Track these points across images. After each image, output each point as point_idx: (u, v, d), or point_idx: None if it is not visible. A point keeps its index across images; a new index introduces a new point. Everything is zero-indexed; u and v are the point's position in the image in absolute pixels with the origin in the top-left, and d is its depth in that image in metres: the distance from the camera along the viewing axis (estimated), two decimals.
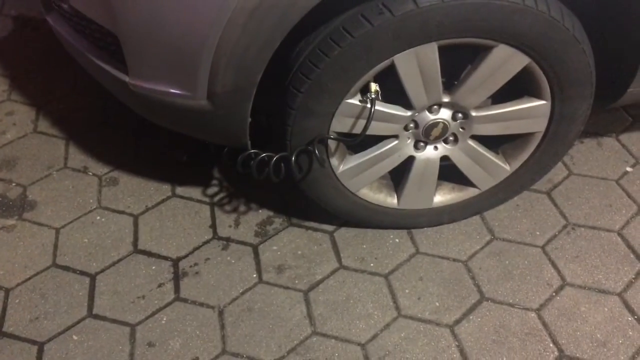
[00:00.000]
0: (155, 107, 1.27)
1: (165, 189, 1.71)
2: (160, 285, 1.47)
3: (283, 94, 1.26)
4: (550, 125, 1.36)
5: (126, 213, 1.64)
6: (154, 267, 1.51)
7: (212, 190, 1.71)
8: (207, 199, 1.68)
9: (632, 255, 1.49)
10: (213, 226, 1.61)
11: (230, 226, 1.61)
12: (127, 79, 1.24)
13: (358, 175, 1.43)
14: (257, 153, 1.36)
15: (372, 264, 1.51)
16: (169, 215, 1.64)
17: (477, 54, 1.23)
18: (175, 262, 1.52)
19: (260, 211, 1.65)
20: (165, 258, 1.53)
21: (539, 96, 1.31)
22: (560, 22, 1.16)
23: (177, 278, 1.49)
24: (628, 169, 1.74)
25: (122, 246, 1.56)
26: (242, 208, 1.66)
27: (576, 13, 1.22)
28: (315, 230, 1.60)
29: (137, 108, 1.35)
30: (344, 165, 1.40)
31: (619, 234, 1.55)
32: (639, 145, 1.81)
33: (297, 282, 1.48)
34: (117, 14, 1.12)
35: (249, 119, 1.25)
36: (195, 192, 1.70)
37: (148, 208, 1.66)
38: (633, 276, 1.44)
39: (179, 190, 1.70)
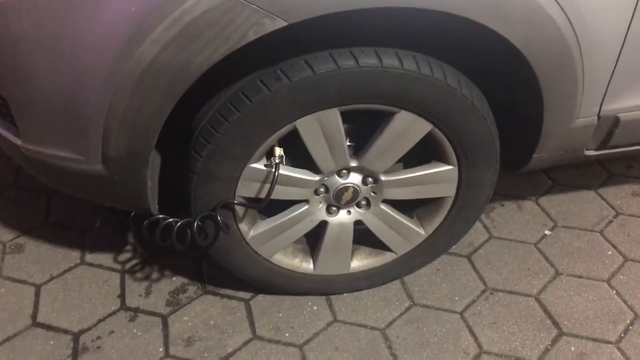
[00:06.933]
0: (50, 172, 1.21)
1: (74, 256, 1.62)
2: None
3: (187, 158, 1.23)
4: (459, 190, 1.37)
5: (28, 283, 1.54)
6: (51, 342, 1.40)
7: (124, 257, 1.63)
8: (118, 267, 1.60)
9: (548, 321, 1.47)
10: (122, 296, 1.52)
11: (140, 295, 1.53)
12: (19, 142, 1.18)
13: (270, 240, 1.38)
14: (163, 218, 1.31)
15: (287, 334, 1.45)
16: (75, 284, 1.54)
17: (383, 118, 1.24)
18: (76, 336, 1.42)
19: (174, 278, 1.58)
20: (66, 332, 1.42)
21: (445, 161, 1.32)
22: (458, 90, 1.18)
23: (75, 354, 1.38)
24: (547, 232, 1.75)
25: (19, 319, 1.45)
26: (154, 275, 1.58)
27: (477, 80, 1.25)
28: (231, 298, 1.53)
29: (33, 173, 1.29)
30: (254, 231, 1.36)
31: (536, 299, 1.53)
32: (557, 208, 1.85)
33: (206, 355, 1.39)
34: (4, 76, 1.08)
35: (150, 183, 1.21)
36: (106, 259, 1.62)
37: (53, 277, 1.56)
38: (549, 343, 1.42)
39: (89, 257, 1.62)
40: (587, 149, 1.44)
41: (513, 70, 1.23)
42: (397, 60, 1.12)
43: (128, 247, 1.66)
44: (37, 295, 1.51)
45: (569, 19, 1.12)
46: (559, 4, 1.09)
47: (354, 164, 1.29)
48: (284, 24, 0.99)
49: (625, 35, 1.21)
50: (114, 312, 1.48)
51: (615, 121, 1.35)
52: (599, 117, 1.34)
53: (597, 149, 1.44)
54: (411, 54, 1.14)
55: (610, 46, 1.22)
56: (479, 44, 1.18)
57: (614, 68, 1.25)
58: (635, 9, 1.18)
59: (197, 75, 1.03)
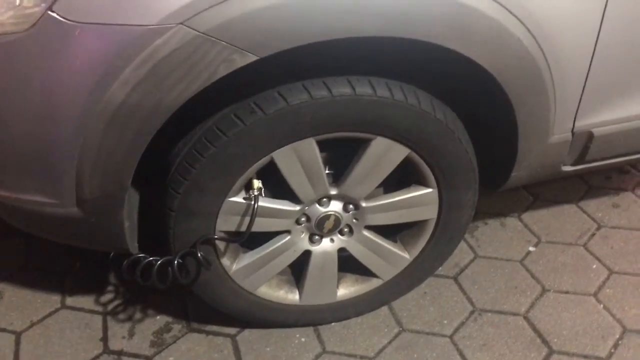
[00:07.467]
0: (24, 217, 1.19)
1: (54, 300, 1.58)
2: None
3: (164, 195, 1.21)
4: (440, 212, 1.37)
5: (8, 330, 1.49)
6: None
7: (105, 298, 1.59)
8: (99, 309, 1.56)
9: (538, 340, 1.46)
10: (104, 339, 1.48)
11: (123, 337, 1.49)
12: None
13: (254, 273, 1.36)
14: (143, 257, 1.28)
15: None
16: (56, 329, 1.50)
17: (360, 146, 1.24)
18: None
19: (158, 317, 1.54)
20: None
21: (425, 184, 1.32)
22: (432, 114, 1.18)
23: None
24: (531, 248, 1.76)
25: None
26: (138, 315, 1.55)
27: (451, 102, 1.26)
28: (217, 334, 1.50)
29: (6, 218, 1.26)
30: (237, 265, 1.34)
31: (525, 318, 1.52)
32: (540, 224, 1.85)
33: None
34: None
35: (127, 223, 1.19)
36: (87, 301, 1.58)
37: (33, 323, 1.52)
38: None
39: (69, 300, 1.58)
40: (564, 165, 1.45)
41: (486, 91, 1.24)
42: (370, 88, 1.13)
43: (109, 288, 1.63)
44: (18, 343, 1.46)
45: (535, 38, 1.13)
46: (523, 24, 1.11)
47: (334, 191, 1.28)
48: (254, 58, 0.99)
49: (593, 52, 1.23)
50: (97, 357, 1.44)
51: (590, 136, 1.37)
52: (573, 133, 1.35)
53: (574, 164, 1.45)
54: (384, 81, 1.14)
55: (579, 63, 1.23)
56: (451, 67, 1.19)
57: (584, 84, 1.27)
58: (601, 25, 1.20)
59: (169, 113, 1.02)
